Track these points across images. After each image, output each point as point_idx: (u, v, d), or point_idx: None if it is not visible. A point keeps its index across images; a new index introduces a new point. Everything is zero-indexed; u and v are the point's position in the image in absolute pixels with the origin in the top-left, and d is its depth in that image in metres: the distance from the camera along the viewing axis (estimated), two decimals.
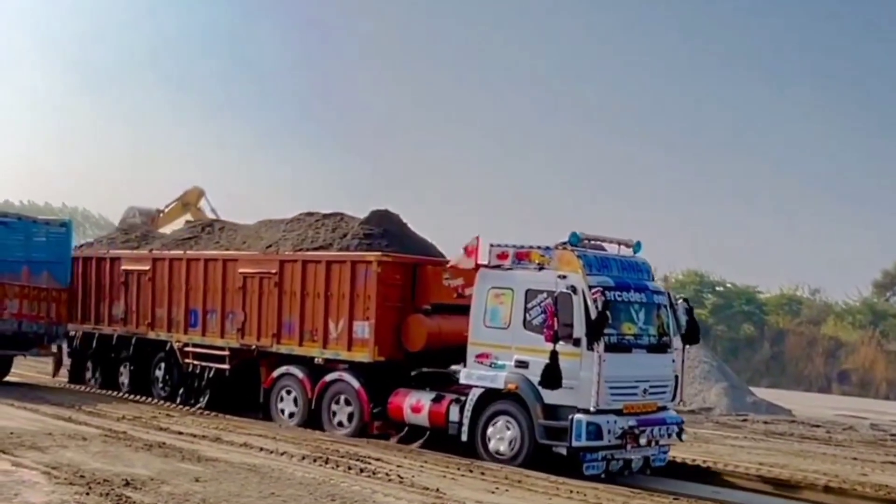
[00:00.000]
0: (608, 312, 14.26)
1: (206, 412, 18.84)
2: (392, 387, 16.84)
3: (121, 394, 21.02)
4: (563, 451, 14.53)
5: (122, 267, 21.34)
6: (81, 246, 23.89)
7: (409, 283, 17.05)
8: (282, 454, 13.92)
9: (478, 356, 15.50)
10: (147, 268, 20.71)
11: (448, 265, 16.26)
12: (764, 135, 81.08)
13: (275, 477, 12.04)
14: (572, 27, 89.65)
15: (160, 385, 20.60)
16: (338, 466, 13.14)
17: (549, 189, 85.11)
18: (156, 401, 20.24)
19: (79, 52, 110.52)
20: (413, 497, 11.41)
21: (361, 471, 12.90)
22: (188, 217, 33.52)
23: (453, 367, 15.91)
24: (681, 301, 15.94)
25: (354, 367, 17.17)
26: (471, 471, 13.71)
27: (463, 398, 15.75)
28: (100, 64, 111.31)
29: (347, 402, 17.16)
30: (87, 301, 22.19)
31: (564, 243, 15.15)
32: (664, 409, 15.51)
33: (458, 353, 17.11)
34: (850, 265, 66.68)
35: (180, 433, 15.53)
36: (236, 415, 18.56)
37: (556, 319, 14.27)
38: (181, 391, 19.82)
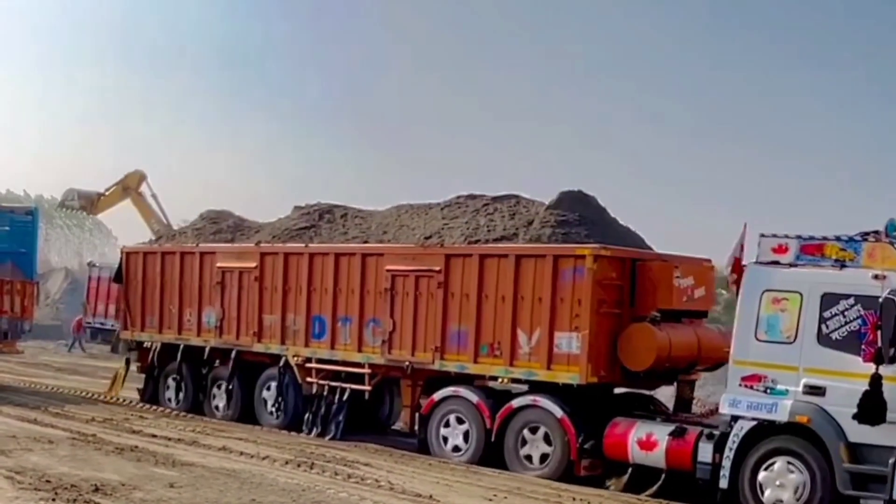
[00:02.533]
0: None
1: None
2: (602, 415, 13.32)
3: (216, 420, 17.17)
4: None
5: (218, 264, 17.49)
6: (159, 238, 20.02)
7: (628, 284, 13.47)
8: (263, 459, 13.14)
9: (745, 378, 11.96)
10: (253, 265, 16.90)
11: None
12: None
13: (255, 483, 11.39)
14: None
15: (269, 409, 16.77)
16: (323, 472, 12.43)
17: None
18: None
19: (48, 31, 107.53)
20: None
21: (349, 476, 12.18)
22: (128, 201, 34.61)
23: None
24: None
25: (552, 391, 13.57)
26: (466, 476, 12.83)
27: (716, 432, 12.24)
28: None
29: (544, 435, 13.53)
30: (167, 305, 18.32)
31: (870, 234, 11.66)
32: None
33: (671, 371, 13.87)
34: None
35: (154, 436, 14.62)
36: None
37: (879, 333, 10.81)
38: (307, 417, 16.01)
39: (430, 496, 11.31)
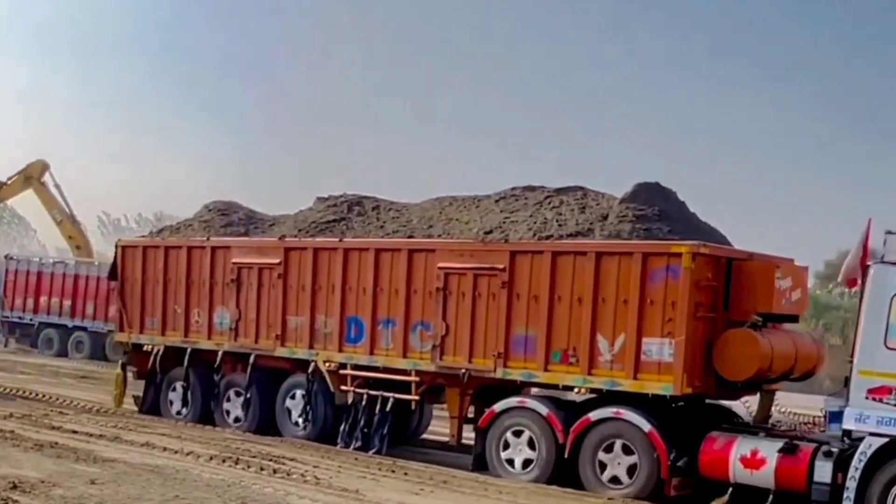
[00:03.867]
0: None
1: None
2: (687, 428, 12.13)
3: (230, 431, 15.51)
4: None
5: (233, 260, 15.81)
6: (161, 231, 18.23)
7: (722, 285, 12.28)
8: (187, 454, 12.88)
9: (873, 391, 10.88)
10: (276, 261, 15.27)
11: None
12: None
13: (179, 479, 11.18)
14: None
15: (295, 420, 15.19)
16: (249, 467, 12.26)
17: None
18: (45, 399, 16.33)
19: None
20: (330, 499, 10.68)
21: (275, 471, 12.06)
22: (30, 191, 34.56)
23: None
24: None
25: (635, 402, 12.30)
26: (393, 471, 12.77)
27: (834, 449, 11.12)
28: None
29: (627, 451, 12.25)
30: (171, 304, 16.57)
31: None
32: None
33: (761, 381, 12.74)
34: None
35: (75, 432, 14.19)
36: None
37: None
38: (343, 429, 14.48)
39: (357, 490, 11.14)
